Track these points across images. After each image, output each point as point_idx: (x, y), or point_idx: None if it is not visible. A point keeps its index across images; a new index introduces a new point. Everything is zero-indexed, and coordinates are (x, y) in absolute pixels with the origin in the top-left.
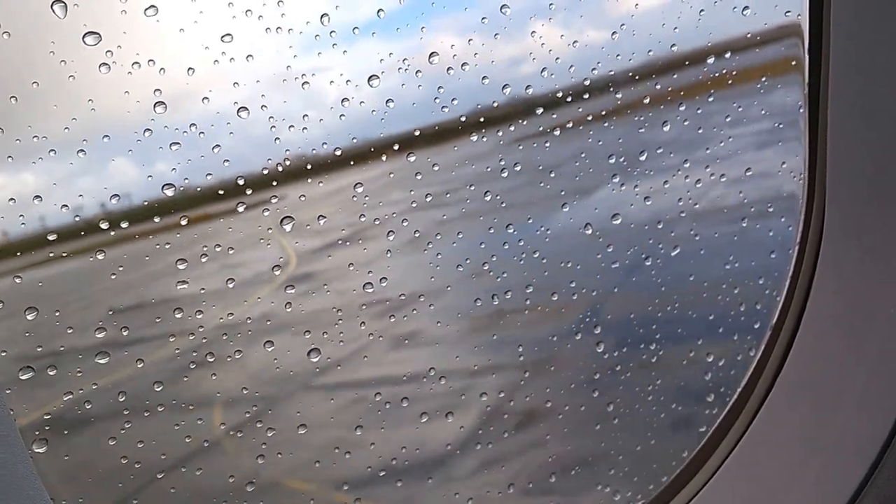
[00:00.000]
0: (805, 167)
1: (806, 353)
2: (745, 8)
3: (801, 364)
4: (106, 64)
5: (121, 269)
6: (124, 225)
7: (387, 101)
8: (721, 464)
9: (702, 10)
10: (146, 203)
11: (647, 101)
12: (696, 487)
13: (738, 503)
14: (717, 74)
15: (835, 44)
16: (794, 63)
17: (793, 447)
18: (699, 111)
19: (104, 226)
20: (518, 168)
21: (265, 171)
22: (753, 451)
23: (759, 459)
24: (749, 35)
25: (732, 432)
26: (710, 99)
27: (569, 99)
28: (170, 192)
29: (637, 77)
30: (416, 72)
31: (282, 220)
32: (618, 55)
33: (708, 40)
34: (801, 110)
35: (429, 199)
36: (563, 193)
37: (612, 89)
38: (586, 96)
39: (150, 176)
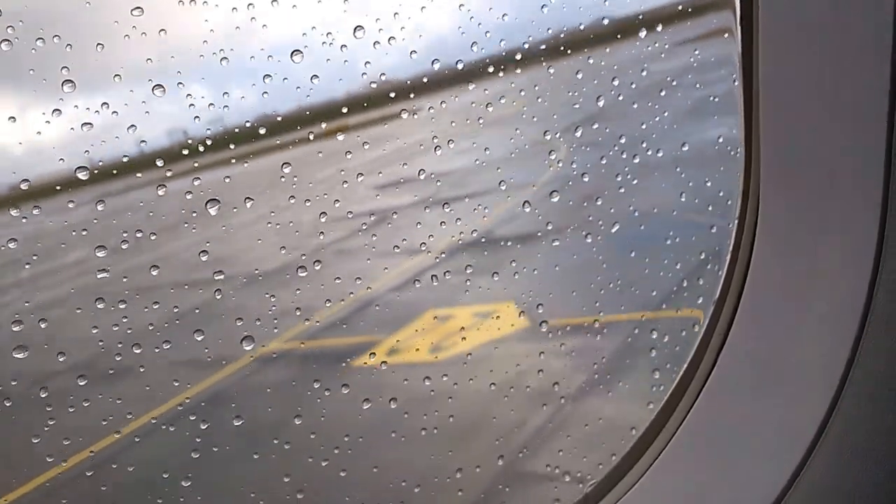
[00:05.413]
0: (742, 140)
1: (748, 328)
2: None
3: (741, 340)
4: None
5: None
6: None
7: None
8: (667, 442)
9: None
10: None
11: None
12: (646, 463)
13: (690, 475)
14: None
15: (764, 16)
16: (726, 35)
17: (742, 416)
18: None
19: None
20: None
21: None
22: (701, 425)
23: (706, 434)
24: (680, 7)
25: (679, 409)
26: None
27: (497, 69)
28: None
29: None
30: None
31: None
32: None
33: (638, 11)
34: (736, 83)
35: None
36: None
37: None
38: (518, 71)
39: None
